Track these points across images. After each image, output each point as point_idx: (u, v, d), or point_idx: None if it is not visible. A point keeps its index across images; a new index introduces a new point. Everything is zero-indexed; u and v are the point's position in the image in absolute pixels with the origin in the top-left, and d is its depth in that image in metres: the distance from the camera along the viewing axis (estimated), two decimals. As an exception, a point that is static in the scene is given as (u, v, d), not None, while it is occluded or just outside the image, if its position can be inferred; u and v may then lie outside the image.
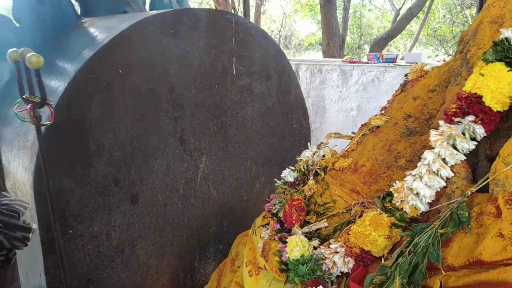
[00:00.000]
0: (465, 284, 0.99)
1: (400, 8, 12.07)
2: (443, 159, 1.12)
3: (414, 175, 1.16)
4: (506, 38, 1.08)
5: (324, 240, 1.40)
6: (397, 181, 1.22)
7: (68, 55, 2.09)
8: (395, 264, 1.02)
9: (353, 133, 1.74)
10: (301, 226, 1.44)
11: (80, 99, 1.89)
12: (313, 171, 1.57)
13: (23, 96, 1.58)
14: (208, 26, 2.42)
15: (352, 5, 13.01)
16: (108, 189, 2.03)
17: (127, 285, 2.20)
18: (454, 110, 1.12)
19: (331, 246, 1.29)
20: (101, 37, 2.09)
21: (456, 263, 1.02)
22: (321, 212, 1.46)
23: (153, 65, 2.15)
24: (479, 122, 1.08)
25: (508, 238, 0.93)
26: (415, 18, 10.71)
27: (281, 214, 1.53)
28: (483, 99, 1.07)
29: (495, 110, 1.06)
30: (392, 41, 12.02)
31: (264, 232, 1.55)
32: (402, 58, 5.55)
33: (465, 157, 1.12)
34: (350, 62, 5.14)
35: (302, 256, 1.26)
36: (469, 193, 1.04)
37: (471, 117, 1.10)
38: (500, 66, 1.06)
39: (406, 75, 1.65)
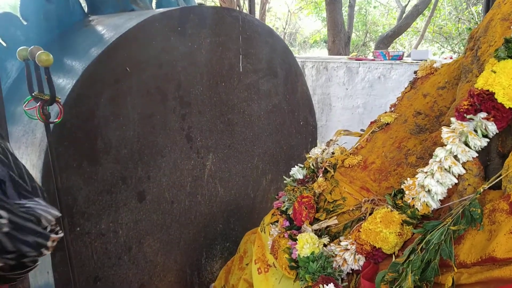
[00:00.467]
0: (477, 281, 0.98)
1: (405, 5, 12.04)
2: (455, 156, 1.12)
3: (426, 172, 1.15)
4: (519, 34, 1.08)
5: (334, 237, 1.39)
6: (408, 178, 1.22)
7: (76, 53, 2.09)
8: (407, 261, 1.01)
9: (362, 130, 1.74)
10: (311, 224, 1.43)
11: (88, 97, 1.89)
12: (323, 169, 1.57)
13: (33, 94, 1.58)
14: (215, 23, 2.42)
15: (357, 2, 12.98)
16: (116, 187, 2.03)
17: (134, 282, 2.21)
18: (466, 107, 1.12)
19: (342, 243, 1.29)
20: (109, 35, 2.09)
21: (468, 260, 1.02)
22: (331, 209, 1.46)
23: (160, 63, 2.15)
24: (491, 119, 1.07)
25: (521, 235, 0.93)
26: (420, 15, 10.67)
27: (290, 212, 1.52)
28: (495, 96, 1.06)
29: (507, 107, 1.05)
30: (397, 39, 11.98)
31: (273, 230, 1.54)
32: (409, 55, 5.53)
33: (477, 154, 1.11)
34: (356, 60, 5.13)
35: (312, 253, 1.26)
36: (482, 190, 1.03)
37: (483, 114, 1.09)
38: (512, 63, 1.06)
39: (415, 72, 1.64)
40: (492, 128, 1.08)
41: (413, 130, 1.50)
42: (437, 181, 1.13)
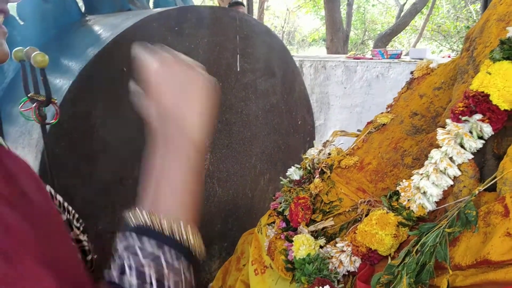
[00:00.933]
0: (472, 283, 0.98)
1: (404, 4, 12.04)
2: (450, 158, 1.12)
3: (421, 174, 1.15)
4: (514, 36, 1.07)
5: (330, 238, 1.39)
6: (404, 180, 1.22)
7: (73, 53, 2.09)
8: (402, 264, 1.01)
9: (358, 130, 1.74)
10: (307, 225, 1.43)
11: (84, 97, 1.89)
12: (319, 169, 1.57)
13: (28, 95, 1.58)
14: (212, 23, 2.41)
15: (355, 0, 12.98)
16: (113, 187, 2.03)
17: (132, 283, 2.21)
18: (461, 108, 1.11)
19: (338, 245, 1.29)
20: (106, 35, 2.09)
21: (463, 262, 1.02)
22: (327, 210, 1.45)
23: (158, 63, 2.15)
24: (487, 120, 1.07)
25: (516, 237, 0.93)
26: (419, 13, 10.67)
27: (287, 213, 1.52)
28: (491, 98, 1.06)
29: (502, 109, 1.05)
30: (396, 37, 11.98)
31: (270, 231, 1.54)
32: (407, 54, 5.53)
33: (472, 156, 1.11)
34: (354, 58, 5.13)
35: (308, 255, 1.26)
36: (477, 192, 1.03)
37: (478, 116, 1.09)
38: (507, 65, 1.06)
39: (412, 72, 1.64)
40: (487, 130, 1.08)
41: (410, 131, 1.50)
42: (433, 183, 1.13)
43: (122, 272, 0.64)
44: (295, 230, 1.47)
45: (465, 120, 1.12)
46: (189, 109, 0.73)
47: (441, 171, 1.13)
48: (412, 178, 1.18)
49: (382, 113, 1.62)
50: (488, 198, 1.07)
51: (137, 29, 2.05)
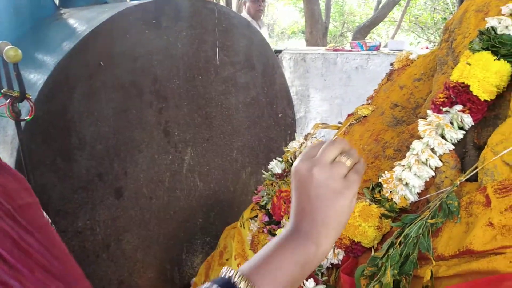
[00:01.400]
0: (455, 273, 0.99)
1: (382, -5, 12.08)
2: (432, 149, 1.12)
3: (403, 165, 1.15)
4: (492, 27, 1.08)
5: (313, 231, 1.39)
6: (386, 172, 1.22)
7: (47, 48, 2.04)
8: (386, 256, 1.01)
9: (339, 123, 1.74)
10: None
11: (60, 93, 1.85)
12: (301, 162, 1.56)
13: (1, 90, 1.53)
14: (191, 16, 2.38)
15: (334, -8, 12.98)
16: (92, 184, 2.00)
17: (113, 280, 2.18)
18: (442, 99, 1.12)
19: (320, 237, 1.29)
20: (81, 28, 2.04)
21: (446, 252, 1.02)
22: (309, 203, 1.45)
23: (135, 56, 2.11)
24: (467, 111, 1.07)
25: (497, 227, 0.93)
26: (397, 5, 10.74)
27: (269, 206, 1.51)
28: (471, 89, 1.06)
29: (482, 99, 1.06)
30: (374, 29, 12.04)
31: (253, 225, 1.53)
32: (386, 46, 5.55)
33: (453, 147, 1.12)
34: (333, 50, 5.13)
35: (291, 248, 1.25)
36: (458, 182, 1.04)
37: (459, 107, 1.09)
38: (486, 55, 1.06)
39: (392, 64, 1.64)
40: (468, 121, 1.08)
41: (390, 123, 1.50)
42: (415, 174, 1.13)
43: None
44: (278, 224, 1.47)
45: (446, 111, 1.12)
46: (329, 221, 0.74)
47: (422, 162, 1.13)
48: (394, 169, 1.18)
49: (363, 105, 1.61)
50: (469, 189, 1.07)
51: (113, 22, 2.01)
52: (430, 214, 1.03)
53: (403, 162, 1.16)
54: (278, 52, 4.67)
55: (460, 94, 1.07)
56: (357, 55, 4.80)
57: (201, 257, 2.65)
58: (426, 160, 1.12)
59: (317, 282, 1.15)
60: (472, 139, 1.15)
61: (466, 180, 1.08)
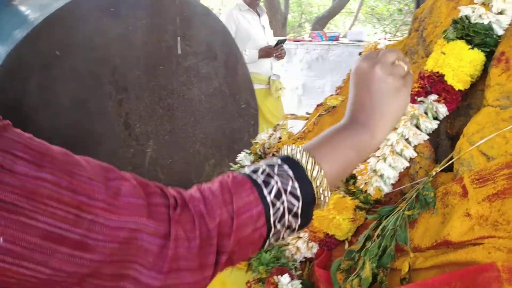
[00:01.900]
0: (433, 265, 0.98)
1: (339, -14, 12.18)
2: (407, 139, 1.11)
3: (378, 156, 1.14)
4: (466, 16, 1.07)
5: (284, 225, 1.36)
6: (360, 163, 1.20)
7: (-2, 36, 1.92)
8: (364, 249, 1.00)
9: (307, 113, 1.71)
10: (261, 212, 1.39)
11: (13, 84, 1.74)
12: (270, 154, 1.53)
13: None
14: (150, 4, 2.30)
15: (292, -18, 12.99)
16: (50, 180, 1.90)
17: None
18: (416, 89, 1.10)
19: (294, 231, 1.26)
20: (34, 16, 1.93)
21: (423, 244, 1.01)
22: (280, 196, 1.42)
23: (93, 45, 2.02)
24: (442, 101, 1.06)
25: (475, 217, 0.93)
26: (353, -4, 10.85)
27: (239, 200, 1.47)
28: (445, 78, 1.05)
29: (457, 89, 1.05)
30: (332, 19, 12.14)
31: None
32: (345, 36, 5.59)
33: (428, 137, 1.11)
34: (294, 41, 5.13)
35: (264, 243, 1.22)
36: (434, 173, 1.03)
37: (433, 96, 1.08)
38: (461, 44, 1.05)
39: (360, 53, 1.62)
40: (443, 110, 1.07)
41: (360, 113, 1.49)
42: (389, 165, 1.12)
43: (254, 171, 0.69)
44: (248, 218, 1.43)
45: (421, 101, 1.11)
46: (387, 115, 0.81)
47: (397, 153, 1.12)
48: (368, 160, 1.17)
49: (332, 95, 1.59)
50: (444, 179, 1.07)
51: (69, 9, 1.91)
52: (406, 205, 1.02)
53: (378, 153, 1.14)
54: (282, 42, 4.41)
55: (435, 84, 1.06)
56: (317, 46, 4.81)
57: (165, 252, 2.59)
58: (401, 150, 1.11)
59: (292, 277, 1.13)
60: (445, 129, 1.14)
61: (441, 171, 1.07)
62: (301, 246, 1.24)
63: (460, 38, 1.06)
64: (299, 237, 1.25)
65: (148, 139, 2.41)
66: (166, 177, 2.57)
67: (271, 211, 0.66)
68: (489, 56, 1.07)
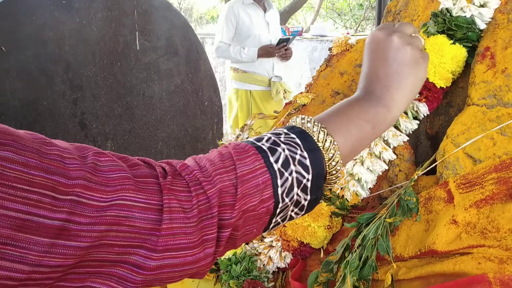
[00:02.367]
0: (417, 276, 0.91)
1: (299, -19, 12.15)
2: (386, 141, 1.04)
3: (355, 159, 1.06)
4: (447, 9, 1.01)
5: (255, 232, 1.27)
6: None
7: None
8: (344, 262, 0.92)
9: (275, 112, 1.63)
10: (229, 219, 1.30)
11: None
12: (238, 157, 1.43)
13: None
14: (106, -4, 2.16)
15: (252, -23, 12.88)
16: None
17: None
18: (396, 87, 1.03)
19: (266, 240, 1.17)
20: (-23, 7, 1.77)
21: (405, 253, 0.94)
22: (250, 201, 1.33)
23: (44, 41, 1.87)
24: (423, 100, 1.00)
25: (462, 225, 0.87)
26: (314, -9, 10.86)
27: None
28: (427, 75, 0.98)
29: (438, 87, 0.99)
30: (293, 14, 12.12)
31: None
32: (307, 31, 5.55)
33: (408, 138, 1.04)
34: (256, 35, 5.03)
35: (234, 254, 1.13)
36: (416, 177, 0.96)
37: (414, 95, 1.01)
38: (442, 39, 0.99)
39: (330, 49, 1.55)
40: (424, 110, 1.01)
41: (332, 111, 1.41)
42: (367, 168, 1.05)
43: (258, 139, 0.62)
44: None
45: (400, 100, 1.04)
46: (405, 87, 0.72)
47: (376, 155, 1.05)
48: (344, 164, 1.09)
49: (301, 93, 1.52)
50: (426, 182, 1.00)
51: (15, 2, 1.76)
52: (387, 212, 0.95)
53: (354, 155, 1.06)
54: (285, 40, 3.96)
55: (416, 81, 0.99)
56: (280, 40, 4.73)
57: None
58: (380, 153, 1.04)
59: (265, 291, 1.04)
60: (425, 129, 1.08)
61: (422, 173, 1.01)
62: (273, 256, 1.15)
63: (441, 32, 1.00)
64: (271, 246, 1.17)
65: (106, 140, 2.27)
66: (126, 179, 2.44)
67: (279, 182, 0.58)
68: (470, 51, 1.01)
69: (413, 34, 0.75)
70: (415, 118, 1.04)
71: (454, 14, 0.99)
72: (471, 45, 1.00)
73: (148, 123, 2.54)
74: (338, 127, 0.65)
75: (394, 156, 1.05)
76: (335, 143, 0.62)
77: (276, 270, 1.19)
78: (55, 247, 0.43)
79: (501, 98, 0.88)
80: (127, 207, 0.48)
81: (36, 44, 1.85)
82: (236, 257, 1.14)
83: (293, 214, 0.63)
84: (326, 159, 0.61)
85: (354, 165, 1.07)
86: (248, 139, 0.63)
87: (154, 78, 2.54)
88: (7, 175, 0.40)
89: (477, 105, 0.91)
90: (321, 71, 1.55)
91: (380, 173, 1.07)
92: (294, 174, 0.59)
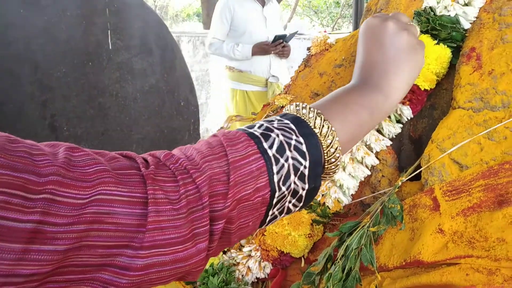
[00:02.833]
0: (402, 287, 0.87)
1: (276, -21, 12.12)
2: (368, 146, 1.00)
3: (336, 165, 1.02)
4: (431, 8, 0.97)
5: (233, 241, 1.22)
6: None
7: None
8: (327, 274, 0.87)
9: (253, 113, 1.58)
10: (206, 227, 1.25)
11: None
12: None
13: None
14: (76, -7, 2.08)
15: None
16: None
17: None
18: (378, 89, 0.99)
19: (244, 249, 1.12)
20: None
21: (390, 263, 0.90)
22: (227, 208, 1.28)
23: (9, 40, 1.79)
24: (407, 102, 0.96)
25: (448, 234, 0.83)
26: (291, -12, 10.83)
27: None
28: (410, 77, 0.94)
29: (422, 89, 0.95)
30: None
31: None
32: (285, 29, 5.51)
33: (391, 142, 1.00)
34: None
35: (211, 265, 1.08)
36: (400, 183, 0.92)
37: (397, 97, 0.97)
38: (426, 39, 0.95)
39: (308, 48, 1.50)
40: (407, 113, 0.97)
41: (311, 113, 1.37)
42: (349, 174, 1.01)
43: (249, 127, 0.58)
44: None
45: (383, 103, 1.00)
46: (402, 73, 0.69)
47: (358, 160, 1.00)
48: (325, 169, 1.05)
49: (280, 94, 1.47)
50: (410, 189, 0.96)
51: (-20, -1, 1.67)
52: (371, 220, 0.91)
53: (336, 160, 1.02)
54: (282, 37, 3.65)
55: (399, 84, 0.95)
56: (257, 38, 4.68)
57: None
58: (362, 158, 1.00)
59: (244, 305, 0.99)
60: (408, 132, 1.04)
61: (406, 179, 0.97)
62: (252, 266, 1.10)
63: (425, 32, 0.96)
64: (250, 256, 1.11)
65: (78, 142, 2.19)
66: (100, 182, 2.37)
67: (274, 168, 0.54)
68: (455, 52, 0.97)
69: (408, 23, 0.73)
70: (398, 121, 1.00)
71: (438, 13, 0.95)
72: (455, 45, 0.96)
73: (122, 125, 2.47)
74: (335, 114, 0.62)
75: (377, 161, 1.00)
76: (333, 128, 0.59)
77: (256, 280, 1.14)
78: (28, 253, 0.37)
79: (488, 101, 0.85)
80: (108, 202, 0.43)
81: (2, 44, 1.76)
82: (213, 268, 1.09)
83: (290, 205, 0.59)
84: (324, 146, 0.59)
85: (335, 171, 1.02)
86: (238, 128, 0.59)
87: (128, 78, 2.46)
88: None
89: (463, 108, 0.88)
90: (300, 71, 1.50)
91: (363, 179, 1.03)
92: (290, 161, 0.55)
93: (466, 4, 0.95)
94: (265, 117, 1.44)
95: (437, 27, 0.94)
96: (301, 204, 0.60)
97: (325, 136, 0.58)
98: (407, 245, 0.90)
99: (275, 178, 0.54)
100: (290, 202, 0.58)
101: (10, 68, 1.79)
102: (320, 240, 1.08)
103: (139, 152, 2.12)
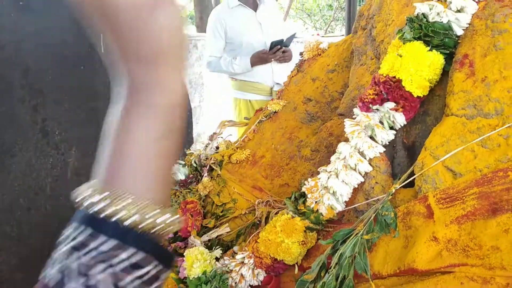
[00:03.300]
0: (396, 295, 0.87)
1: (269, -19, 12.12)
2: (361, 152, 0.99)
3: (329, 172, 1.02)
4: (423, 14, 0.96)
5: (227, 247, 1.21)
6: (309, 179, 1.07)
7: None
8: (321, 283, 0.87)
9: (246, 118, 1.57)
10: (199, 234, 1.24)
11: None
12: (207, 166, 1.37)
13: None
14: (68, -3, 2.06)
15: (221, -23, 12.78)
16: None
17: (-13, 310, 1.85)
18: (371, 96, 0.99)
19: (237, 256, 1.11)
20: None
21: (384, 271, 0.90)
22: (220, 214, 1.27)
23: (0, 44, 1.77)
24: (400, 109, 0.95)
25: (442, 242, 0.83)
26: (284, -9, 10.85)
27: (173, 221, 1.31)
28: (403, 83, 0.94)
29: (415, 96, 0.95)
30: (263, 15, 12.08)
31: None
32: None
33: (384, 149, 1.00)
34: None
35: (204, 273, 1.07)
36: (393, 190, 0.92)
37: (390, 104, 0.97)
38: (419, 46, 0.95)
39: (301, 53, 1.50)
40: (401, 120, 0.96)
41: (304, 119, 1.37)
42: (342, 181, 1.00)
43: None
44: (184, 240, 1.27)
45: (376, 109, 1.00)
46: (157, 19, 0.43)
47: (351, 167, 1.00)
48: (318, 176, 1.04)
49: (272, 99, 1.46)
50: (404, 196, 0.96)
51: (-31, 2, 1.66)
52: (365, 228, 0.90)
53: (329, 167, 1.02)
54: (279, 43, 3.31)
55: (392, 90, 0.95)
56: (251, 42, 4.68)
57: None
58: (355, 165, 0.99)
59: (237, 314, 0.98)
60: (402, 139, 1.04)
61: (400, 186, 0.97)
62: (245, 274, 1.09)
63: (418, 38, 0.95)
64: (243, 263, 1.11)
65: (70, 147, 2.17)
66: (92, 187, 2.35)
67: None
68: (447, 58, 0.97)
69: None
70: (391, 128, 0.99)
71: (430, 20, 0.95)
72: (448, 52, 0.96)
73: (115, 129, 2.45)
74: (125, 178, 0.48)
75: (370, 168, 1.00)
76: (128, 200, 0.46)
77: (249, 287, 1.13)
78: None
79: (481, 108, 0.84)
80: None
81: (-8, 48, 1.75)
82: (206, 276, 1.07)
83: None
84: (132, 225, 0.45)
85: (328, 178, 1.02)
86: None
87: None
88: None
89: (457, 115, 0.87)
90: (292, 76, 1.50)
91: (356, 186, 1.02)
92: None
93: (458, 11, 0.94)
94: (258, 122, 1.44)
95: (429, 33, 0.93)
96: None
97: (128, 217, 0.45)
98: (401, 253, 0.89)
99: None
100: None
101: (0, 72, 1.78)
102: (314, 247, 1.07)
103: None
